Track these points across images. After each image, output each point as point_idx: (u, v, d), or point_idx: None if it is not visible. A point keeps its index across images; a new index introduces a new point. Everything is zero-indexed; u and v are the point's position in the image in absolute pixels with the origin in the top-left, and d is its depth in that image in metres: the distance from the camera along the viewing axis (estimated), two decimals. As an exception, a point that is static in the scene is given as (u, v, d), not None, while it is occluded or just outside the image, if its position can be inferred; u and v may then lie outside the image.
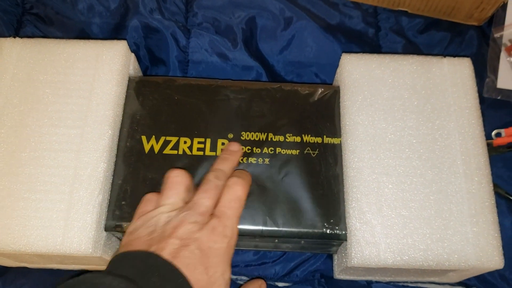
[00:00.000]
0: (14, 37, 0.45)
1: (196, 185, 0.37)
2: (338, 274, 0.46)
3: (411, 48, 0.57)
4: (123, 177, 0.41)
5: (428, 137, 0.42)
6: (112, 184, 0.41)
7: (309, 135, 0.43)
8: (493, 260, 0.38)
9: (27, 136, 0.41)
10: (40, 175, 0.40)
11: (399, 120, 0.42)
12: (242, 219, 0.39)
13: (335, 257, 0.47)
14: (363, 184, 0.40)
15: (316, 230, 0.40)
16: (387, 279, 0.46)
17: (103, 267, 0.45)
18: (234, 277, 0.48)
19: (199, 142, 0.43)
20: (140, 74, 0.50)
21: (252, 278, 0.47)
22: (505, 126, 0.53)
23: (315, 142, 0.43)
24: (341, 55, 0.45)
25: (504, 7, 0.57)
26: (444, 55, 0.46)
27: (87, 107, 0.42)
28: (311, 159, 0.42)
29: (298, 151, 0.43)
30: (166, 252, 0.31)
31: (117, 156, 0.42)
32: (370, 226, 0.39)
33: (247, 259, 0.49)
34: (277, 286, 0.47)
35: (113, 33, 0.57)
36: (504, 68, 0.56)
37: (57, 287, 0.29)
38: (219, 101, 0.45)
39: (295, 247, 0.45)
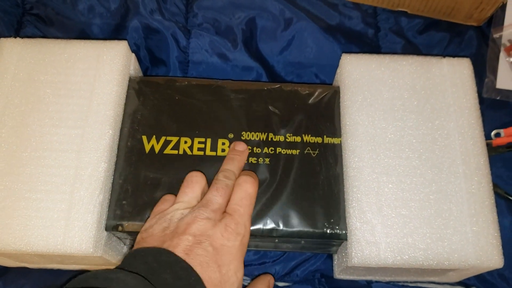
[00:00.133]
0: (15, 37, 0.45)
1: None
2: (338, 274, 0.46)
3: (411, 48, 0.57)
4: (123, 177, 0.41)
5: (428, 137, 0.42)
6: (113, 184, 0.41)
7: (309, 135, 0.43)
8: (493, 259, 0.38)
9: (28, 136, 0.41)
10: (41, 175, 0.40)
11: (399, 120, 0.43)
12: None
13: (335, 256, 0.47)
14: (363, 184, 0.40)
15: (316, 230, 0.40)
16: (387, 278, 0.46)
17: (104, 267, 0.46)
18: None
19: (199, 142, 0.43)
20: (141, 74, 0.50)
21: (260, 274, 0.47)
22: (504, 126, 0.53)
23: (315, 142, 0.43)
24: (341, 56, 0.46)
25: (503, 7, 0.57)
26: (444, 55, 0.46)
27: (88, 107, 0.42)
28: (311, 159, 0.42)
29: (298, 151, 0.43)
30: (179, 249, 0.31)
31: (117, 156, 0.42)
32: (370, 226, 0.39)
33: (247, 258, 0.49)
34: (277, 285, 0.47)
35: (114, 34, 0.57)
36: (503, 69, 0.56)
37: (70, 281, 0.29)
38: (220, 101, 0.45)
39: (296, 247, 0.46)
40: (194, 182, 0.38)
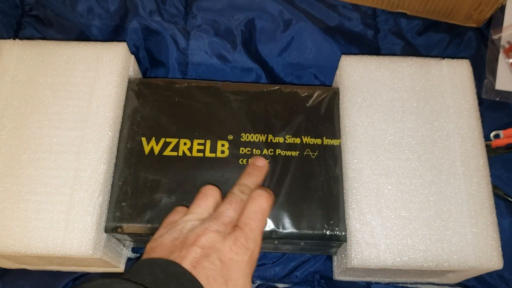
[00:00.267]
0: (14, 39, 0.45)
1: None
2: (338, 275, 0.46)
3: (410, 49, 0.57)
4: (123, 178, 0.41)
5: (427, 138, 0.42)
6: (112, 185, 0.41)
7: (309, 137, 0.43)
8: (492, 260, 0.38)
9: (27, 138, 0.41)
10: (41, 176, 0.40)
11: (398, 122, 0.43)
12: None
13: (335, 258, 0.47)
14: (362, 185, 0.40)
15: (316, 232, 0.40)
16: (387, 280, 0.46)
17: (103, 268, 0.46)
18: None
19: (199, 144, 0.43)
20: (140, 76, 0.50)
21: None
22: (503, 127, 0.53)
23: (315, 143, 0.43)
24: (340, 57, 0.46)
25: (502, 9, 0.57)
26: (443, 56, 0.46)
27: (87, 109, 0.42)
28: (310, 161, 0.42)
29: (297, 152, 0.43)
30: (187, 260, 0.31)
31: (117, 157, 0.42)
32: (370, 227, 0.39)
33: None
34: (276, 287, 0.47)
35: (113, 35, 0.57)
36: (502, 70, 0.56)
37: None
38: (219, 103, 0.45)
39: (295, 249, 0.46)
40: (208, 195, 0.37)
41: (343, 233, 0.40)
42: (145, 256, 0.34)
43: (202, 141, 0.43)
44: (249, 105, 0.45)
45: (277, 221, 0.40)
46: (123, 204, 0.40)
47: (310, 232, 0.40)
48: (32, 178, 0.40)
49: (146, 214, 0.40)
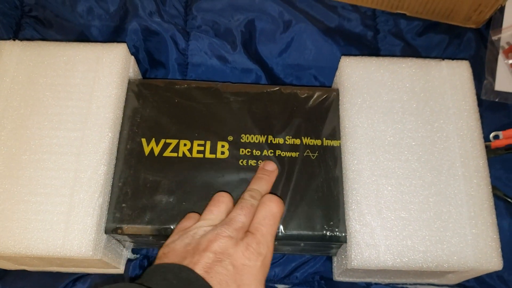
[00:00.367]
0: (14, 39, 0.45)
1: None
2: (338, 276, 0.46)
3: (410, 50, 0.57)
4: (123, 179, 0.41)
5: (427, 139, 0.42)
6: (112, 186, 0.41)
7: (309, 138, 0.43)
8: (492, 261, 0.38)
9: (27, 139, 0.41)
10: (41, 178, 0.40)
11: (398, 123, 0.43)
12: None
13: (335, 259, 0.47)
14: (362, 186, 0.40)
15: (315, 232, 0.40)
16: (387, 281, 0.46)
17: (103, 269, 0.46)
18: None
19: (199, 145, 0.43)
20: (140, 76, 0.50)
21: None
22: (503, 128, 0.53)
23: (315, 144, 0.43)
24: (340, 58, 0.46)
25: (501, 10, 0.57)
26: (443, 57, 0.46)
27: (87, 110, 0.42)
28: (310, 162, 0.43)
29: (297, 153, 0.43)
30: (200, 266, 0.31)
31: (117, 158, 0.42)
32: (370, 228, 0.39)
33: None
34: (276, 288, 0.47)
35: (113, 36, 0.57)
36: (502, 71, 0.56)
37: None
38: (219, 104, 0.45)
39: (295, 249, 0.46)
40: (221, 202, 0.38)
41: (343, 234, 0.40)
42: (157, 261, 0.34)
43: (202, 142, 0.43)
44: (249, 106, 0.45)
45: (277, 222, 0.40)
46: (123, 205, 0.40)
47: (310, 233, 0.40)
48: (32, 179, 0.40)
49: (146, 215, 0.40)
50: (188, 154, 0.43)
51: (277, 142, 0.43)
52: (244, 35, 0.57)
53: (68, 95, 0.43)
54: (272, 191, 0.41)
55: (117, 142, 0.43)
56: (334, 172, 0.42)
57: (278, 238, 0.40)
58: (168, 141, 0.43)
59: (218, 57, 0.57)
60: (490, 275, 0.48)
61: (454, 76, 0.45)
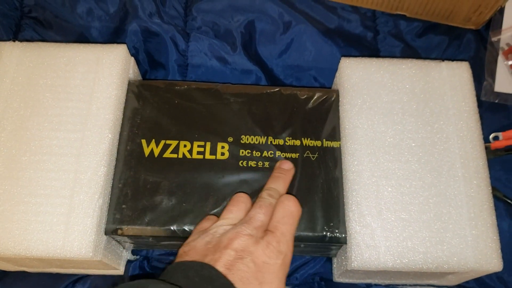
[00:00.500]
0: (14, 40, 0.45)
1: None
2: (338, 277, 0.46)
3: (410, 51, 0.58)
4: (123, 180, 0.41)
5: (427, 140, 0.42)
6: (112, 187, 0.41)
7: (309, 139, 0.44)
8: (492, 262, 0.38)
9: (27, 140, 0.41)
10: (41, 179, 0.40)
11: (398, 124, 0.43)
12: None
13: (335, 260, 0.47)
14: (362, 188, 0.40)
15: (315, 233, 0.40)
16: (387, 282, 0.46)
17: (103, 271, 0.46)
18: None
19: (199, 146, 0.43)
20: (140, 78, 0.50)
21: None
22: (502, 129, 0.53)
23: (315, 145, 0.43)
24: (340, 59, 0.46)
25: (501, 11, 0.58)
26: (442, 58, 0.46)
27: (87, 111, 0.42)
28: (310, 163, 0.43)
29: (297, 154, 0.43)
30: (221, 263, 0.31)
31: (117, 159, 0.42)
32: (370, 229, 0.39)
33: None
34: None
35: (112, 37, 0.57)
36: (501, 72, 0.56)
37: None
38: (219, 105, 0.45)
39: (295, 251, 0.45)
40: (241, 202, 0.38)
41: (343, 235, 0.40)
42: (178, 259, 0.34)
43: (202, 143, 0.43)
44: (249, 107, 0.45)
45: (277, 223, 0.40)
46: (123, 206, 0.40)
47: (310, 234, 0.40)
48: (32, 180, 0.40)
49: (146, 216, 0.40)
50: (188, 155, 0.43)
51: (277, 143, 0.43)
52: (244, 36, 0.57)
53: (68, 96, 0.43)
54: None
55: (117, 143, 0.43)
56: (334, 173, 0.42)
57: (278, 239, 0.40)
58: (168, 142, 0.43)
59: (218, 58, 0.57)
60: (490, 276, 0.48)
61: (454, 77, 0.45)
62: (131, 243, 0.44)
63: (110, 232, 0.40)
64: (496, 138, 0.53)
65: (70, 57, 0.44)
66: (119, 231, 0.40)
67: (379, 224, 0.39)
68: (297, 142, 0.43)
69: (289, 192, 0.41)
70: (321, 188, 0.41)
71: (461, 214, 0.39)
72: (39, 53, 0.44)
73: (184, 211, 0.40)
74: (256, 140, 0.43)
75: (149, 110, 0.44)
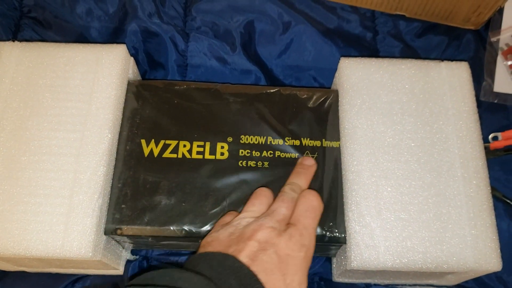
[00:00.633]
0: (13, 41, 0.45)
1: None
2: (337, 277, 0.46)
3: (409, 52, 0.58)
4: (122, 180, 0.41)
5: (426, 140, 0.42)
6: (112, 187, 0.41)
7: (308, 139, 0.44)
8: (491, 262, 0.38)
9: (27, 140, 0.41)
10: (40, 179, 0.40)
11: (397, 124, 0.43)
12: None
13: (334, 260, 0.47)
14: (362, 188, 0.40)
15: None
16: (386, 281, 0.46)
17: (102, 271, 0.46)
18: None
19: (198, 146, 0.43)
20: (139, 78, 0.50)
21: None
22: (501, 129, 0.53)
23: (314, 145, 0.43)
24: (339, 59, 0.46)
25: (500, 11, 0.58)
26: (442, 59, 0.46)
27: (87, 111, 0.42)
28: (310, 163, 0.43)
29: (297, 154, 0.43)
30: (244, 254, 0.31)
31: (116, 159, 0.42)
32: (369, 229, 0.39)
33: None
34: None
35: (112, 37, 0.57)
36: (500, 72, 0.56)
37: (135, 278, 0.29)
38: (218, 105, 0.45)
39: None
40: (263, 196, 0.38)
41: (343, 235, 0.40)
42: (201, 250, 0.34)
43: (201, 143, 0.43)
44: (249, 107, 0.45)
45: (276, 223, 0.40)
46: (123, 206, 0.40)
47: (309, 234, 0.40)
48: (32, 180, 0.40)
49: (145, 216, 0.40)
50: (187, 155, 0.43)
51: (277, 143, 0.43)
52: (244, 36, 0.57)
53: (68, 96, 0.43)
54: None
55: (116, 143, 0.43)
56: (334, 173, 0.42)
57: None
58: (167, 142, 0.43)
59: (217, 58, 0.57)
60: (489, 276, 0.48)
61: (453, 78, 0.45)
62: (131, 243, 0.44)
63: (110, 232, 0.40)
64: (495, 138, 0.53)
65: (70, 57, 0.44)
66: (119, 231, 0.40)
67: (378, 224, 0.39)
68: (297, 142, 0.43)
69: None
70: (320, 188, 0.41)
71: (460, 214, 0.39)
72: (39, 53, 0.44)
73: (184, 211, 0.40)
74: (256, 140, 0.43)
75: (149, 110, 0.44)
